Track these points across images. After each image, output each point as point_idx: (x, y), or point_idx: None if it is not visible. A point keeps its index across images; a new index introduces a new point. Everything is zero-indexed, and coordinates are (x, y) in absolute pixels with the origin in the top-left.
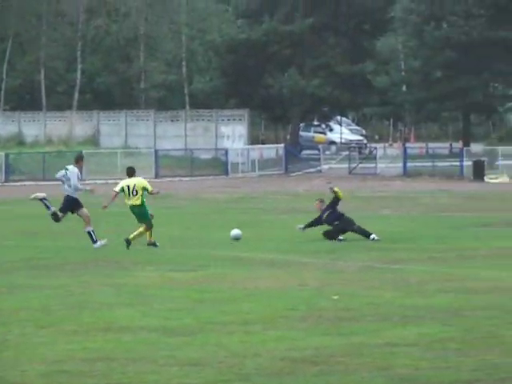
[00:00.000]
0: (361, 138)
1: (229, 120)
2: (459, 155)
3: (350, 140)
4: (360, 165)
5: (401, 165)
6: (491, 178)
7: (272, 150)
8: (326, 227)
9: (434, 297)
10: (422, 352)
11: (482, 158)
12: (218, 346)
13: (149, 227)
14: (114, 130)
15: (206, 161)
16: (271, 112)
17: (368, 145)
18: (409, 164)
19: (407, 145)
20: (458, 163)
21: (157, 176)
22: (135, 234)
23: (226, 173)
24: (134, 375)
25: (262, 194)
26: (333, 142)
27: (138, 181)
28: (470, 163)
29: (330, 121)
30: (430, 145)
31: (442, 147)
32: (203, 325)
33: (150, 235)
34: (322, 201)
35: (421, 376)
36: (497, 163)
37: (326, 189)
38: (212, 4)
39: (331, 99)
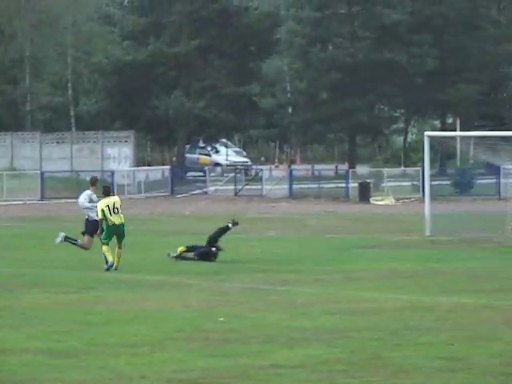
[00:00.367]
0: (246, 159)
1: (115, 142)
2: (345, 177)
3: (235, 162)
4: (246, 186)
5: (287, 187)
6: (377, 200)
7: (158, 172)
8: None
9: (319, 318)
10: (308, 374)
11: (368, 180)
12: (104, 368)
13: (121, 245)
14: (0, 151)
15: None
16: (157, 133)
17: (253, 166)
18: (295, 186)
19: (293, 167)
20: (343, 185)
21: (43, 198)
22: (117, 259)
23: (113, 194)
24: None
25: (149, 215)
26: (218, 164)
27: (116, 199)
28: (356, 185)
29: (216, 143)
30: (316, 167)
31: (327, 169)
32: (89, 347)
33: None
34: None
35: None
36: (382, 185)
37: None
38: (97, 26)
39: (217, 121)
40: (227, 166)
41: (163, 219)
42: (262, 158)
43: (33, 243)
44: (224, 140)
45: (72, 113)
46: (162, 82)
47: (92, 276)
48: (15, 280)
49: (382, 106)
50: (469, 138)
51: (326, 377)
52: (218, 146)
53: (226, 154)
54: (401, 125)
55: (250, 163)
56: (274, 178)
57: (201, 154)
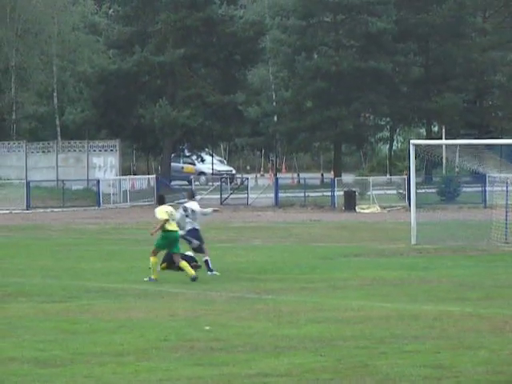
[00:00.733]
0: (230, 168)
1: (100, 151)
2: (330, 185)
3: (219, 171)
4: (231, 195)
5: (272, 195)
6: (362, 208)
7: (144, 181)
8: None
9: (305, 327)
10: (294, 382)
11: (353, 189)
12: (90, 377)
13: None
14: None
15: (78, 192)
16: (143, 142)
17: (237, 175)
18: (280, 194)
19: (279, 175)
20: (329, 193)
21: (28, 207)
22: (186, 269)
23: (98, 203)
24: None
25: (134, 224)
26: (202, 173)
27: (171, 208)
28: (342, 193)
29: (202, 151)
30: (302, 175)
31: (313, 177)
32: (75, 356)
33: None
34: None
35: None
36: (368, 193)
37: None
38: (83, 35)
39: (202, 130)
40: (211, 174)
41: (149, 228)
42: (248, 167)
43: (18, 252)
44: (206, 149)
45: (58, 122)
46: (148, 91)
47: (78, 285)
48: (1, 289)
49: (367, 115)
50: (454, 146)
51: None
52: (203, 154)
53: (212, 163)
54: (386, 133)
55: (234, 172)
56: (259, 186)
57: (185, 162)
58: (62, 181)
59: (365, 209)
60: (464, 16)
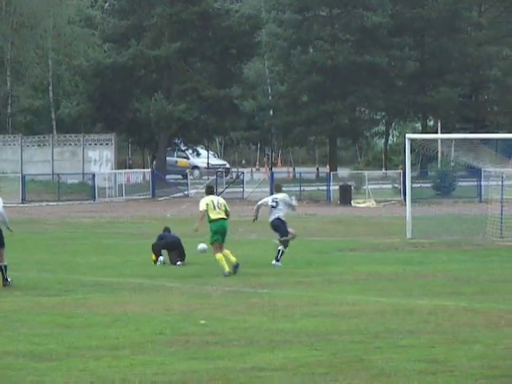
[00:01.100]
0: (224, 162)
1: (96, 144)
2: (326, 179)
3: (213, 165)
4: (227, 189)
5: (268, 189)
6: (358, 203)
7: (139, 175)
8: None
9: (301, 321)
10: (290, 376)
11: (349, 183)
12: (85, 371)
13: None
14: None
15: (73, 185)
16: (138, 136)
17: (231, 169)
18: None
19: (274, 169)
20: (324, 188)
21: (24, 201)
22: (226, 259)
23: (93, 197)
24: None
25: (130, 218)
26: (196, 167)
27: (219, 198)
28: (337, 187)
29: (197, 146)
30: (297, 169)
31: (308, 172)
32: (70, 350)
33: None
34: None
35: None
36: (363, 187)
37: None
38: (78, 28)
39: (198, 124)
40: (205, 168)
41: (145, 222)
42: (243, 161)
43: (14, 246)
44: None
45: (53, 116)
46: (143, 85)
47: (73, 279)
48: None
49: (362, 109)
50: (450, 140)
51: (307, 379)
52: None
53: (208, 157)
54: (382, 127)
55: (227, 166)
56: (255, 180)
57: (179, 156)
58: (58, 174)
59: (360, 203)
60: (459, 10)
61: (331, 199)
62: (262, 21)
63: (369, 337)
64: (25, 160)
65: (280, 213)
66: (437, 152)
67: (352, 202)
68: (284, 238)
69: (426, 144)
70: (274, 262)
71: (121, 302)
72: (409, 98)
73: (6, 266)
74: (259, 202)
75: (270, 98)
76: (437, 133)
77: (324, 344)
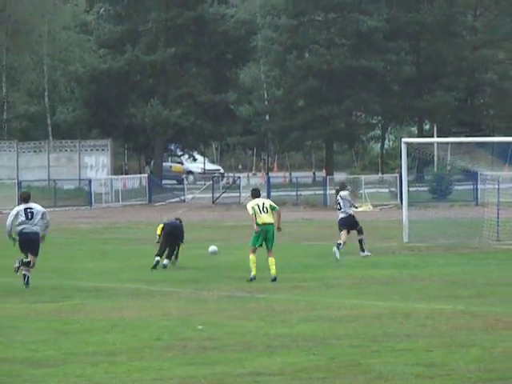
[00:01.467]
0: (218, 167)
1: (92, 150)
2: (322, 184)
3: (207, 170)
4: (223, 194)
5: (265, 194)
6: (354, 207)
7: (136, 180)
8: None
9: (298, 326)
10: (287, 381)
11: (257, 187)
12: (83, 377)
13: (272, 252)
14: None
15: (70, 191)
16: (134, 142)
17: (225, 174)
18: (273, 193)
19: (270, 174)
20: (321, 192)
21: None
22: (273, 267)
23: (90, 203)
24: None
25: (126, 224)
26: (190, 172)
27: (265, 200)
28: (334, 192)
29: (194, 151)
30: (294, 174)
31: (305, 176)
32: (67, 356)
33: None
34: None
35: None
36: (360, 192)
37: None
38: (73, 34)
39: (194, 129)
40: (203, 173)
41: (141, 227)
42: (240, 166)
43: (10, 252)
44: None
45: (49, 121)
46: (139, 90)
47: (70, 285)
48: None
49: (358, 113)
50: (446, 144)
51: None
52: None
53: (204, 162)
54: (378, 131)
55: (222, 171)
56: (251, 185)
57: (173, 162)
58: (54, 180)
59: (357, 207)
60: (455, 14)
61: (328, 204)
62: (257, 26)
63: (366, 341)
64: (21, 166)
65: (348, 209)
66: (433, 156)
67: None
68: (359, 227)
69: (422, 148)
70: (361, 253)
71: (118, 308)
72: (405, 102)
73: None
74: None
75: (266, 102)
76: (433, 137)
77: (322, 348)
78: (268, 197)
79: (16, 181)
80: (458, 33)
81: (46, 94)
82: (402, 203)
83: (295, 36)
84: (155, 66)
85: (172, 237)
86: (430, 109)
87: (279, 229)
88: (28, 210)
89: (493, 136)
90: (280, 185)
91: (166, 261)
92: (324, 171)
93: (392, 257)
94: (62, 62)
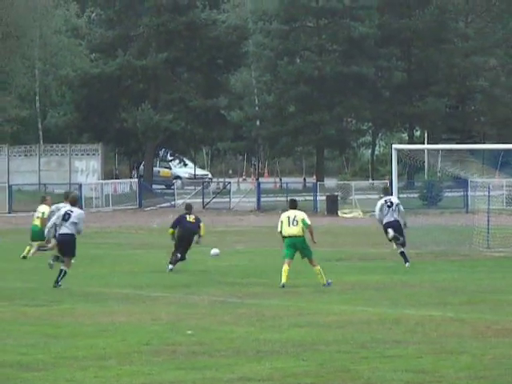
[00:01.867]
0: (206, 172)
1: (82, 155)
2: (313, 190)
3: (195, 175)
4: (214, 199)
5: (255, 199)
6: (345, 213)
7: (126, 185)
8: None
9: (288, 331)
10: None
11: (336, 193)
12: (72, 381)
13: (314, 261)
14: None
15: (60, 195)
16: (125, 146)
17: (213, 179)
18: (263, 199)
19: (261, 179)
20: (311, 198)
21: (10, 211)
22: (320, 276)
23: (80, 207)
24: None
25: (117, 228)
26: (178, 177)
27: (297, 212)
28: (324, 198)
29: (185, 156)
30: (284, 179)
31: (295, 182)
32: (57, 360)
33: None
34: None
35: None
36: (350, 198)
37: None
38: (65, 38)
39: (185, 134)
40: (187, 178)
41: (131, 232)
42: (230, 171)
43: (0, 256)
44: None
45: (40, 126)
46: (130, 95)
47: (60, 289)
48: None
49: (349, 119)
50: (436, 151)
51: None
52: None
53: (194, 167)
54: (368, 138)
55: (210, 176)
56: (241, 190)
57: (161, 167)
58: (44, 184)
59: (347, 213)
60: (446, 21)
61: (318, 209)
62: (248, 31)
63: (355, 347)
64: (11, 170)
65: (395, 214)
66: (423, 162)
67: (339, 212)
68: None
69: (413, 154)
70: (406, 264)
71: (108, 312)
72: (396, 108)
73: (65, 272)
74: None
75: (257, 108)
76: (423, 143)
77: (311, 354)
78: (258, 202)
79: (6, 185)
80: (450, 39)
81: (37, 98)
82: None
83: (286, 42)
84: (147, 70)
85: (186, 240)
86: (420, 115)
87: (314, 242)
88: (67, 212)
89: (484, 143)
90: (270, 190)
91: (171, 266)
92: (314, 177)
93: (382, 263)
94: (54, 67)
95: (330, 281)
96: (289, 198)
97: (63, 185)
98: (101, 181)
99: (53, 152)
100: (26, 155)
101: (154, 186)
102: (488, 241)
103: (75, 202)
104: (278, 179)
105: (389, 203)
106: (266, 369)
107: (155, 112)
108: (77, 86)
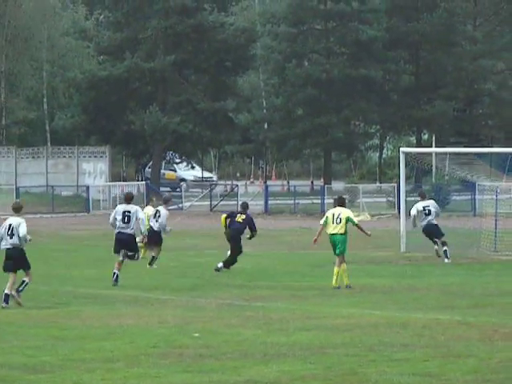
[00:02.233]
0: (211, 175)
1: (90, 157)
2: (320, 193)
3: (200, 177)
4: (221, 202)
5: (262, 202)
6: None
7: (133, 187)
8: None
9: (295, 334)
10: None
11: (344, 196)
12: None
13: (344, 258)
14: None
15: (68, 198)
16: (133, 149)
17: (218, 182)
18: (270, 201)
19: (268, 182)
20: (319, 201)
21: None
22: (345, 276)
23: (88, 210)
24: None
25: None
26: (183, 180)
27: (343, 210)
28: (332, 201)
29: (193, 158)
30: (292, 182)
31: (303, 185)
32: (64, 362)
33: (341, 276)
34: None
35: None
36: (358, 201)
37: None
38: (73, 41)
39: (192, 136)
40: (192, 181)
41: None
42: (238, 174)
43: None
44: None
45: (47, 128)
46: (138, 97)
47: (67, 291)
48: None
49: (357, 122)
50: (444, 154)
51: None
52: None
53: (202, 170)
54: (376, 141)
55: (215, 178)
56: (249, 193)
57: (166, 169)
58: (52, 187)
59: (354, 216)
60: (454, 24)
61: (325, 212)
62: (256, 34)
63: (363, 350)
64: (19, 172)
65: (431, 217)
66: (431, 166)
67: None
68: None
69: (421, 158)
70: (446, 260)
71: (115, 315)
72: (403, 111)
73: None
74: (413, 213)
75: (265, 111)
76: (431, 147)
77: (318, 357)
78: (265, 205)
79: (14, 187)
80: (458, 43)
81: (44, 100)
82: (399, 213)
83: (294, 44)
84: (154, 73)
85: (233, 241)
86: (428, 118)
87: (368, 235)
88: (126, 214)
89: (491, 146)
90: (278, 193)
91: (220, 264)
92: (322, 180)
93: (389, 266)
94: (61, 69)
95: (348, 284)
96: (336, 196)
97: (71, 187)
98: (108, 183)
99: (60, 154)
100: (33, 157)
101: (160, 189)
102: (495, 244)
103: (131, 198)
104: (285, 182)
105: (426, 211)
106: (273, 372)
107: (163, 114)
108: (84, 88)
